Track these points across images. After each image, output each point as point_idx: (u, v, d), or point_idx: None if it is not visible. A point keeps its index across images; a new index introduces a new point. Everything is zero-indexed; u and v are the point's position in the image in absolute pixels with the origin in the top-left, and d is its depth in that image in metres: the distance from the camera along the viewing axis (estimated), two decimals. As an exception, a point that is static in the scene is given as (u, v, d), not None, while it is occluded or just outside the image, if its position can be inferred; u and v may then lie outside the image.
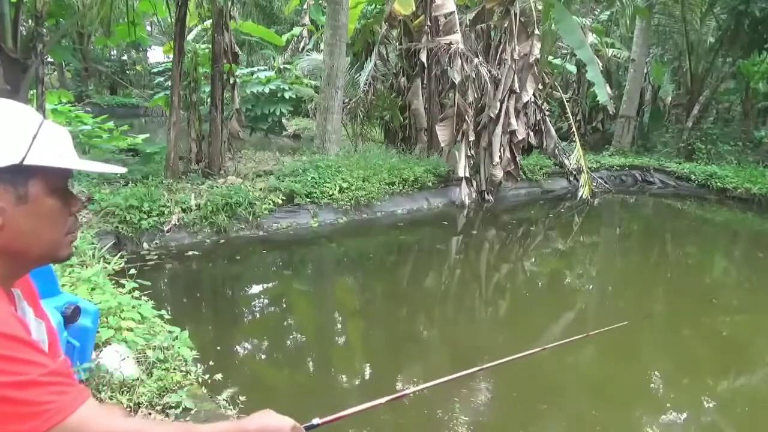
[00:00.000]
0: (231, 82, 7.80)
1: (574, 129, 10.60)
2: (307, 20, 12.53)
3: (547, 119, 10.24)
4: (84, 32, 17.99)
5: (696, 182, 11.03)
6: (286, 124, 15.87)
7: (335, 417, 1.15)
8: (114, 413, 0.94)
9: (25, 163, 0.88)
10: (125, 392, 2.45)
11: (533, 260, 7.26)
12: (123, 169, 1.06)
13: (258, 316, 5.08)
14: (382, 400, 1.28)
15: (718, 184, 10.58)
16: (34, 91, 6.32)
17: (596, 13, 14.52)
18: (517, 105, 9.06)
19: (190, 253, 5.96)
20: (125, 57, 24.73)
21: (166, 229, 6.08)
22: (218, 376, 2.94)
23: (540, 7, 9.22)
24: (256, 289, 5.70)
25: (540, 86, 9.91)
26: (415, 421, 3.31)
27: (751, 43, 11.29)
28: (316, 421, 1.12)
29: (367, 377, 3.94)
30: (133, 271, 3.69)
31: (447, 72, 9.28)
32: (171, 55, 7.76)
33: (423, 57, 9.14)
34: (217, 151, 7.69)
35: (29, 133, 0.90)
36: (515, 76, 8.89)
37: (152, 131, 13.49)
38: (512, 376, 3.85)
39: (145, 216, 5.98)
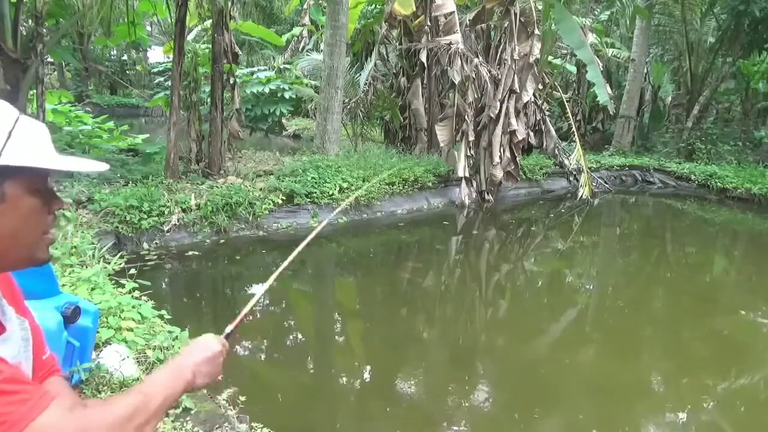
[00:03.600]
0: (231, 82, 7.81)
1: (574, 129, 10.61)
2: (307, 20, 12.50)
3: (547, 119, 10.25)
4: (84, 32, 18.04)
5: (696, 182, 11.04)
6: (286, 124, 15.90)
7: (239, 319, 1.25)
8: (82, 410, 0.88)
9: (0, 163, 0.84)
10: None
11: (533, 260, 7.26)
12: (105, 166, 0.98)
13: (258, 315, 5.08)
14: (272, 280, 1.38)
15: (718, 184, 10.59)
16: (34, 91, 6.33)
17: (596, 13, 14.53)
18: (517, 105, 9.06)
19: (190, 253, 5.96)
20: (125, 57, 24.73)
21: (166, 229, 6.08)
22: (218, 376, 2.94)
23: (540, 7, 9.22)
24: (256, 289, 5.69)
25: (540, 86, 9.91)
26: (410, 422, 3.31)
27: (751, 43, 11.30)
28: (228, 329, 1.24)
29: (367, 376, 3.94)
30: (133, 271, 3.69)
31: (447, 72, 9.28)
32: (171, 55, 7.76)
33: (423, 57, 9.15)
34: (217, 151, 7.69)
35: (3, 131, 0.85)
36: (515, 76, 8.89)
37: (152, 131, 13.51)
38: (510, 376, 3.86)
39: (145, 216, 5.98)
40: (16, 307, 1.01)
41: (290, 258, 1.39)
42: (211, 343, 1.15)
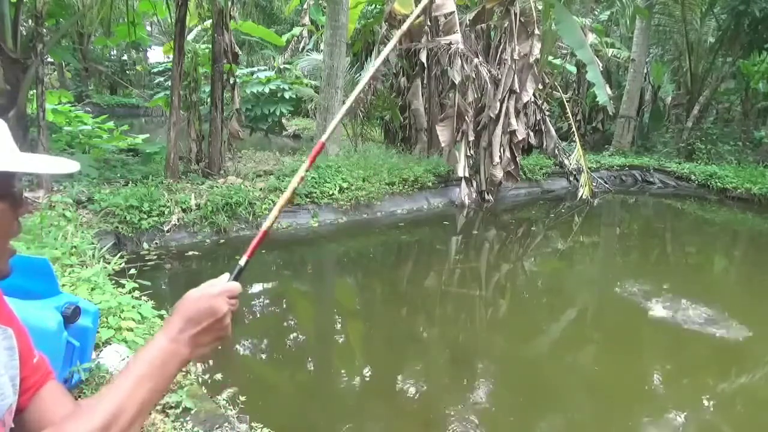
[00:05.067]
0: (231, 82, 7.81)
1: (574, 129, 10.61)
2: (307, 20, 12.53)
3: (547, 119, 10.25)
4: (84, 32, 18.03)
5: (696, 182, 11.05)
6: (286, 124, 15.90)
7: (254, 244, 1.04)
8: None
9: None
10: (125, 392, 2.44)
11: (533, 260, 7.26)
12: (75, 166, 0.87)
13: (258, 315, 5.08)
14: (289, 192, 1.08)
15: (718, 184, 10.59)
16: (34, 91, 6.33)
17: (596, 13, 14.54)
18: (517, 105, 9.06)
19: (190, 253, 5.96)
20: (125, 57, 24.72)
21: (166, 229, 6.08)
22: (218, 376, 2.95)
23: (540, 7, 9.22)
24: (255, 288, 5.69)
25: (540, 86, 9.91)
26: (411, 420, 3.31)
27: (751, 43, 11.30)
28: (242, 261, 1.04)
29: (367, 376, 3.94)
30: (133, 271, 3.69)
31: (447, 72, 9.28)
32: (171, 55, 7.76)
33: (423, 57, 9.14)
34: (217, 151, 7.70)
35: None
36: (515, 76, 8.89)
37: (152, 131, 13.50)
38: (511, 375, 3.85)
39: (145, 216, 5.98)
40: None
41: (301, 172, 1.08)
42: (215, 305, 0.93)
